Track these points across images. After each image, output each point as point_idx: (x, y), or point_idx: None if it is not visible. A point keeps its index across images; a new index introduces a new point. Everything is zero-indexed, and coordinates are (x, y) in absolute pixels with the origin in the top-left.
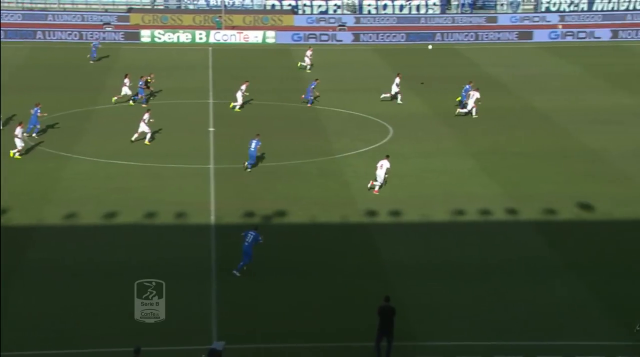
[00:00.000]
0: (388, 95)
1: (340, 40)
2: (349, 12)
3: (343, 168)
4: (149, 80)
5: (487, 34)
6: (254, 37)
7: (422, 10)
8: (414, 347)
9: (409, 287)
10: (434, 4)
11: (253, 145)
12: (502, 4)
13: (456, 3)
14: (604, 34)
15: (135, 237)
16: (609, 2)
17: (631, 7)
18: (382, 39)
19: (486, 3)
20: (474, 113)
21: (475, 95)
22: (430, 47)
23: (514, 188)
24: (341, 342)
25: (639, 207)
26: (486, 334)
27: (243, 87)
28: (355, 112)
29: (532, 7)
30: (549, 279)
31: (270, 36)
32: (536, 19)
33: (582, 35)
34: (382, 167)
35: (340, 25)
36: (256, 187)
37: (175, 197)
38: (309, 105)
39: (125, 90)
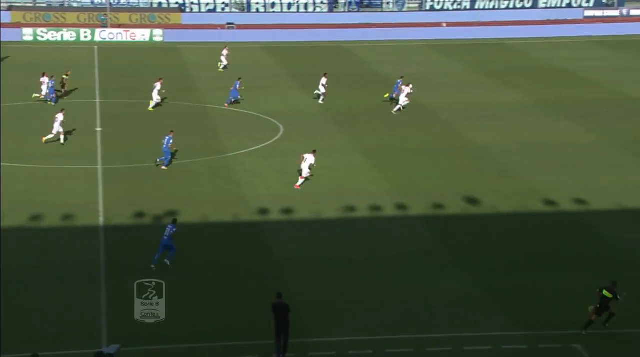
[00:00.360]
0: (319, 93)
1: (227, 40)
2: (237, 10)
3: (234, 167)
4: (65, 79)
5: (374, 32)
6: (141, 35)
7: (310, 9)
8: (308, 344)
9: (302, 284)
10: (322, 3)
11: (165, 141)
12: (388, 3)
13: (343, 2)
14: (486, 33)
15: (20, 241)
16: (491, 1)
17: (511, 6)
18: (270, 37)
19: (373, 2)
20: (402, 106)
21: (406, 90)
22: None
23: (403, 184)
24: (238, 340)
25: (523, 201)
26: (378, 328)
27: (157, 85)
28: (245, 111)
29: (417, 5)
30: (438, 273)
31: (158, 34)
32: (421, 17)
33: (465, 33)
34: (306, 160)
35: (228, 24)
36: (146, 187)
37: (62, 199)
38: (226, 105)
39: (45, 90)
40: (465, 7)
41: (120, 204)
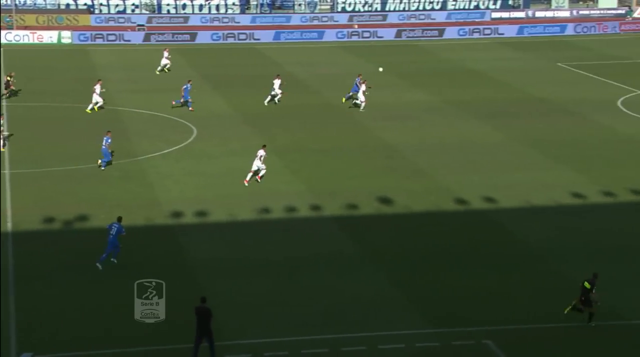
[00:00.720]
0: (273, 94)
1: (129, 40)
2: (147, 12)
3: (146, 169)
4: (10, 80)
5: (286, 34)
6: (49, 37)
7: (222, 10)
8: (224, 347)
9: (217, 286)
10: (234, 4)
11: (104, 142)
12: (299, 4)
13: (255, 3)
14: (396, 34)
15: None
16: (401, 3)
17: (421, 7)
18: (180, 38)
19: (284, 3)
20: (361, 102)
21: (363, 87)
22: (380, 69)
23: (317, 184)
24: (155, 345)
25: (435, 200)
26: (294, 329)
27: (97, 87)
28: (157, 113)
29: (328, 7)
30: (352, 273)
31: (66, 36)
32: (333, 18)
33: (376, 34)
34: (261, 157)
35: (139, 25)
36: (55, 191)
37: None
38: (190, 108)
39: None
40: (376, 8)
41: (29, 208)
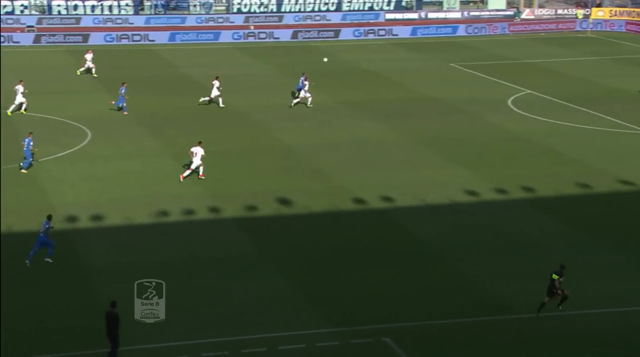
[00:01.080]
0: (207, 99)
1: (18, 42)
2: (37, 13)
3: (39, 174)
4: None
5: (181, 35)
6: None
7: (115, 11)
8: (124, 352)
9: (114, 292)
10: (127, 5)
11: (26, 143)
12: (195, 5)
13: (149, 4)
14: (292, 35)
15: None
16: (296, 4)
17: (316, 9)
18: (72, 40)
19: (179, 4)
20: (306, 99)
21: (307, 84)
22: (325, 59)
23: (216, 186)
24: (64, 351)
25: (333, 200)
26: (194, 332)
27: (19, 87)
28: (48, 116)
29: (224, 8)
30: (252, 274)
31: None
32: (229, 19)
33: (272, 35)
34: (197, 154)
35: (29, 27)
36: None
37: None
38: (125, 113)
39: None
40: (272, 10)
41: None
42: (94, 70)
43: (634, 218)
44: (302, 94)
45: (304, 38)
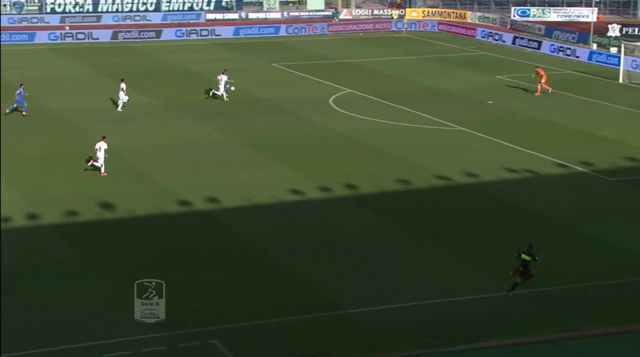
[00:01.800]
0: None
1: None
2: None
3: None
4: None
5: None
6: None
7: None
8: None
9: None
10: None
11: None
12: (5, 5)
13: None
14: (106, 35)
15: None
16: (113, 4)
17: (134, 9)
18: None
19: None
20: (224, 96)
21: (223, 79)
22: None
23: (34, 192)
24: None
25: (158, 203)
26: (16, 343)
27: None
28: None
29: (36, 8)
30: (76, 281)
31: None
32: (44, 20)
33: (93, 35)
34: (101, 149)
35: None
36: None
37: None
38: (24, 113)
39: None
40: (88, 9)
41: None
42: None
43: (451, 213)
44: (221, 89)
45: (124, 38)
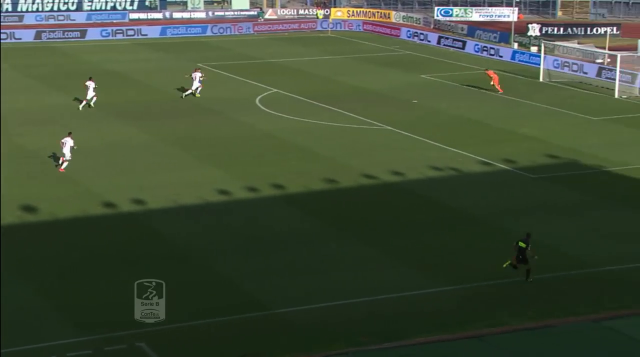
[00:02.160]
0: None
1: None
2: None
3: None
4: None
5: None
6: None
7: None
8: None
9: None
10: None
11: None
12: None
13: None
14: (29, 35)
15: None
16: (34, 3)
17: (56, 8)
18: None
19: None
20: (196, 92)
21: (197, 76)
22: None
23: None
24: None
25: (82, 205)
26: None
27: None
28: None
29: None
30: None
31: None
32: None
33: (16, 35)
34: (66, 144)
35: None
36: None
37: None
38: None
39: None
40: (7, 9)
41: None
42: None
43: (378, 211)
44: (194, 85)
45: (48, 38)
